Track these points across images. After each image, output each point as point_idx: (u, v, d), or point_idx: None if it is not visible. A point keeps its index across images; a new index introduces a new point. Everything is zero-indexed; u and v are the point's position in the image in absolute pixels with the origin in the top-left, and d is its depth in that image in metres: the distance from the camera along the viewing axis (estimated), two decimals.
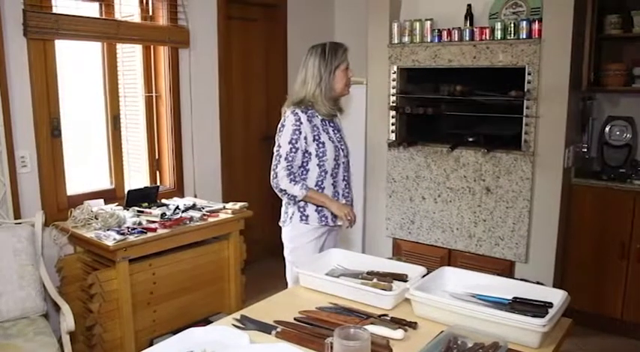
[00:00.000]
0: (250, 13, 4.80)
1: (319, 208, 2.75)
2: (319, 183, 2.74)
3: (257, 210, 4.71)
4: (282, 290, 2.14)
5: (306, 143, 2.68)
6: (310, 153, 2.71)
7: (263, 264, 4.87)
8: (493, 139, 3.95)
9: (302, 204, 2.75)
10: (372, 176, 4.51)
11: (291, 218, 2.80)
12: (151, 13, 3.94)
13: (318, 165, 2.72)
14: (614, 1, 3.88)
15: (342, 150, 2.80)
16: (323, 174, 2.74)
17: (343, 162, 2.80)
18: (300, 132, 2.67)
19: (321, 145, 2.70)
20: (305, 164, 2.72)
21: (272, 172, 2.71)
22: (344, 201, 2.82)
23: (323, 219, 2.77)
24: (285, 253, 2.88)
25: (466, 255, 4.01)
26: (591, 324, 3.81)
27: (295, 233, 2.80)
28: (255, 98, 4.94)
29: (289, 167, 2.67)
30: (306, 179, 2.73)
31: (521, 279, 3.72)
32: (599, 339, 3.75)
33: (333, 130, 2.78)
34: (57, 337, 2.77)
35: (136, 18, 3.86)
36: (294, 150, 2.67)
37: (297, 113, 2.68)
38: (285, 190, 2.69)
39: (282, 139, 2.70)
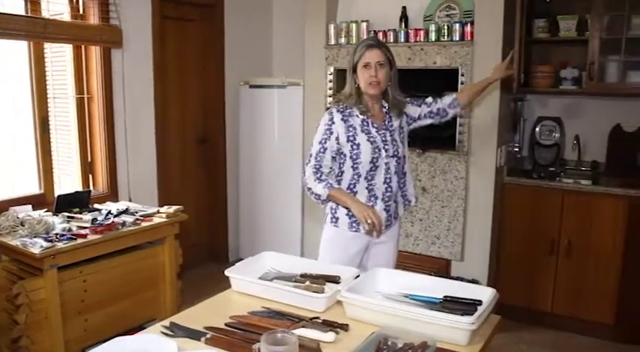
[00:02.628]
0: (186, 13, 4.72)
1: (351, 212, 2.55)
2: (351, 186, 2.58)
3: (194, 213, 4.64)
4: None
5: (338, 143, 2.55)
6: (345, 155, 2.57)
7: (202, 268, 4.81)
8: (428, 140, 4.01)
9: (334, 205, 2.62)
10: None
11: (325, 218, 2.69)
12: (81, 12, 3.81)
13: (352, 167, 2.56)
14: (541, 6, 4.02)
15: (386, 151, 2.56)
16: (356, 177, 2.57)
17: (386, 163, 2.56)
18: (332, 132, 2.54)
19: (355, 147, 2.53)
20: (341, 166, 2.59)
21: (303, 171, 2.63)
22: (383, 207, 2.60)
23: (354, 225, 2.60)
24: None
25: (403, 254, 4.05)
26: (524, 318, 3.92)
27: (326, 234, 2.70)
28: (192, 100, 4.86)
29: (317, 166, 2.55)
30: (341, 181, 2.60)
31: (457, 277, 3.82)
32: (531, 332, 3.86)
33: (378, 131, 2.57)
34: None
35: (66, 16, 3.73)
36: (322, 150, 2.55)
37: (331, 112, 2.57)
38: (310, 188, 2.56)
39: (315, 138, 2.59)
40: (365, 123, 2.57)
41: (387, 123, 2.61)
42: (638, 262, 3.59)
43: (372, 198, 2.59)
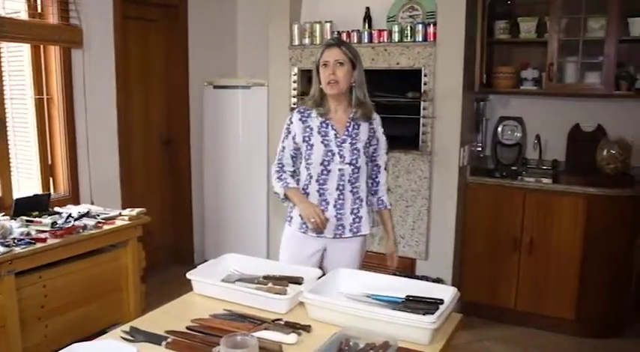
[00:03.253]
0: (149, 13, 4.66)
1: None
2: (305, 187, 2.59)
3: (159, 215, 4.59)
4: None
5: (295, 143, 2.60)
6: (302, 154, 2.61)
7: (167, 270, 4.74)
8: (392, 140, 4.02)
9: (291, 204, 2.65)
10: None
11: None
12: (39, 10, 3.73)
13: (305, 167, 2.59)
14: (502, 7, 4.09)
15: (341, 157, 2.53)
16: (308, 178, 2.57)
17: (340, 170, 2.53)
18: (289, 132, 2.61)
19: (309, 147, 2.55)
20: (299, 165, 2.64)
21: None
22: (334, 213, 2.56)
23: (303, 226, 2.58)
24: None
25: (368, 253, 4.03)
26: (489, 316, 3.98)
27: (284, 233, 2.73)
28: (156, 100, 4.80)
29: (280, 165, 2.64)
30: (298, 181, 2.63)
31: (422, 276, 3.85)
32: (496, 329, 3.92)
33: (337, 135, 2.53)
34: None
35: (23, 15, 3.64)
36: (282, 149, 2.64)
37: (293, 113, 2.63)
38: (273, 186, 2.65)
39: (281, 137, 2.67)
40: (324, 125, 2.55)
41: (350, 129, 2.56)
42: (596, 258, 3.68)
43: (324, 203, 2.56)
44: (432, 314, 1.71)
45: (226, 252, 2.44)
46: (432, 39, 3.77)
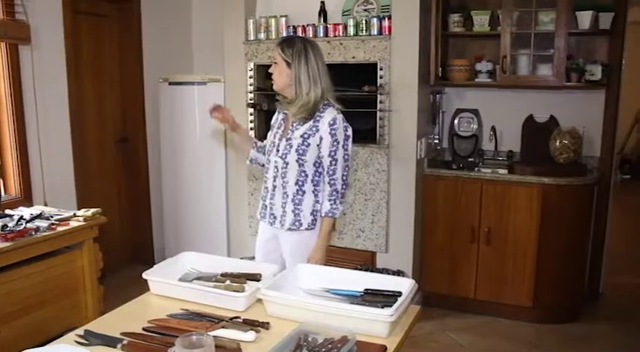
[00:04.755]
0: (100, 9, 4.56)
1: (261, 203, 2.75)
2: None
3: (116, 214, 4.51)
4: None
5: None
6: None
7: (127, 270, 4.66)
8: None
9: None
10: (233, 174, 4.47)
11: None
12: None
13: None
14: (456, 1, 4.15)
15: (277, 151, 2.60)
16: None
17: (275, 162, 2.61)
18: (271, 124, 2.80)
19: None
20: None
21: None
22: (268, 203, 2.66)
23: (259, 214, 2.77)
24: None
25: (329, 248, 4.06)
26: (450, 306, 4.04)
27: None
28: (110, 98, 4.71)
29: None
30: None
31: (383, 269, 3.88)
32: (457, 319, 3.98)
33: (284, 129, 2.63)
34: None
35: None
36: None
37: None
38: None
39: None
40: (283, 120, 2.69)
41: (294, 125, 2.59)
42: (551, 246, 3.77)
43: (266, 190, 2.71)
44: (390, 306, 1.72)
45: (187, 250, 2.41)
46: (387, 33, 3.78)
